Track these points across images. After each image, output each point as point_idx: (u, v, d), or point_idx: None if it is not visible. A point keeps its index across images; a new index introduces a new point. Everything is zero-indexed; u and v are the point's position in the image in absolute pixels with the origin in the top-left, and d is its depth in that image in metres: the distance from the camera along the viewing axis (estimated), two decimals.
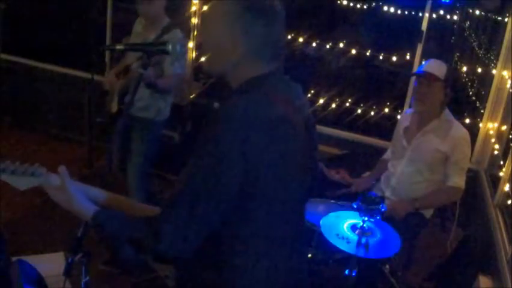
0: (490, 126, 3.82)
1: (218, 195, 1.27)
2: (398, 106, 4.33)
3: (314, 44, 5.11)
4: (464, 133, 2.86)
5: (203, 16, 1.53)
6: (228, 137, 1.26)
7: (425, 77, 2.82)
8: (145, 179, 3.32)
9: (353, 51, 4.83)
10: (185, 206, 1.26)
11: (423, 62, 3.16)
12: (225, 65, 1.42)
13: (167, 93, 3.24)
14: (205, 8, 4.30)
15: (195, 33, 4.39)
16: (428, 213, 2.97)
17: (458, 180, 2.83)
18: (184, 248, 1.28)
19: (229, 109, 1.31)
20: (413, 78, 3.12)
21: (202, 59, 1.52)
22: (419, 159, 2.91)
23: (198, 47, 4.42)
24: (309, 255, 2.57)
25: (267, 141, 1.29)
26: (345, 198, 2.93)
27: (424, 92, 2.85)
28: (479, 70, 4.49)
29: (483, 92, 4.42)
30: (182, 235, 1.26)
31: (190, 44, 4.39)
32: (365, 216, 2.35)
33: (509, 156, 3.27)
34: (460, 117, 3.38)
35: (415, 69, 3.67)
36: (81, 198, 1.43)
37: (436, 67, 2.84)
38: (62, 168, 1.44)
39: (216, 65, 1.46)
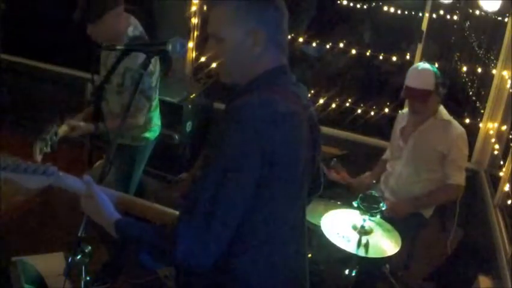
0: (490, 126, 3.81)
1: (237, 198, 1.24)
2: (398, 106, 4.33)
3: (314, 44, 5.11)
4: (461, 131, 2.85)
5: (209, 25, 1.46)
6: (246, 137, 1.23)
7: (415, 94, 2.77)
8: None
9: (353, 51, 4.83)
10: (202, 210, 1.22)
11: (418, 62, 3.07)
12: (248, 63, 1.38)
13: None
14: (205, 8, 4.31)
15: (195, 33, 4.39)
16: (428, 213, 2.97)
17: (458, 178, 2.82)
18: (203, 255, 1.23)
19: (243, 107, 1.27)
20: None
21: (216, 68, 1.45)
22: (416, 158, 2.91)
23: (198, 47, 4.43)
24: (309, 255, 2.57)
25: (281, 139, 1.27)
26: (345, 198, 2.94)
27: (418, 106, 2.84)
28: (479, 70, 4.48)
29: (483, 92, 4.42)
30: (201, 241, 1.22)
31: (190, 44, 4.39)
32: (365, 215, 2.35)
33: (509, 156, 3.27)
34: (459, 117, 3.38)
35: None
36: (107, 207, 1.40)
37: (423, 79, 2.76)
38: (87, 178, 1.42)
39: (238, 69, 1.39)
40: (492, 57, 4.57)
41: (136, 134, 2.81)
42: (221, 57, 1.40)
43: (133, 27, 2.65)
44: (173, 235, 1.22)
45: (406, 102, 3.03)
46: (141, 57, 2.39)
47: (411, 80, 2.81)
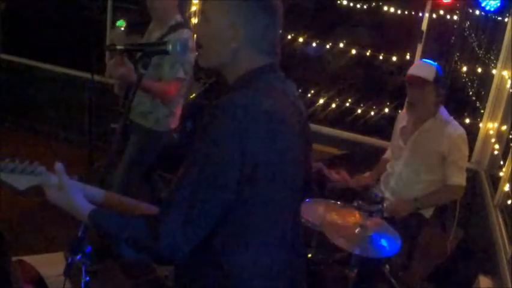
0: (490, 126, 3.82)
1: (217, 193, 1.26)
2: (398, 106, 4.34)
3: (314, 44, 5.12)
4: (461, 132, 2.85)
5: (204, 3, 1.52)
6: (227, 135, 1.25)
7: (414, 81, 2.80)
8: (127, 187, 3.10)
9: (353, 51, 4.84)
10: (184, 204, 1.25)
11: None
12: (223, 54, 1.40)
13: (167, 101, 3.02)
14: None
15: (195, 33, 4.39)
16: (427, 213, 2.97)
17: (458, 179, 2.81)
18: (183, 246, 1.26)
19: (227, 105, 1.30)
20: None
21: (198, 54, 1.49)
22: (416, 159, 2.90)
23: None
24: (309, 255, 2.57)
25: (265, 137, 1.29)
26: (345, 197, 2.94)
27: (415, 96, 2.84)
28: (479, 70, 4.49)
29: (483, 92, 4.42)
30: (182, 233, 1.25)
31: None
32: (364, 215, 2.35)
33: (509, 156, 3.27)
34: (459, 117, 3.38)
35: None
36: (78, 196, 1.40)
37: (424, 69, 2.80)
38: (58, 165, 1.40)
39: (213, 55, 1.43)
40: (492, 57, 4.57)
41: (161, 115, 3.03)
42: (201, 36, 1.44)
43: (180, 16, 3.06)
44: (155, 230, 1.24)
45: (405, 104, 3.03)
46: (186, 32, 2.92)
47: (413, 69, 2.88)
